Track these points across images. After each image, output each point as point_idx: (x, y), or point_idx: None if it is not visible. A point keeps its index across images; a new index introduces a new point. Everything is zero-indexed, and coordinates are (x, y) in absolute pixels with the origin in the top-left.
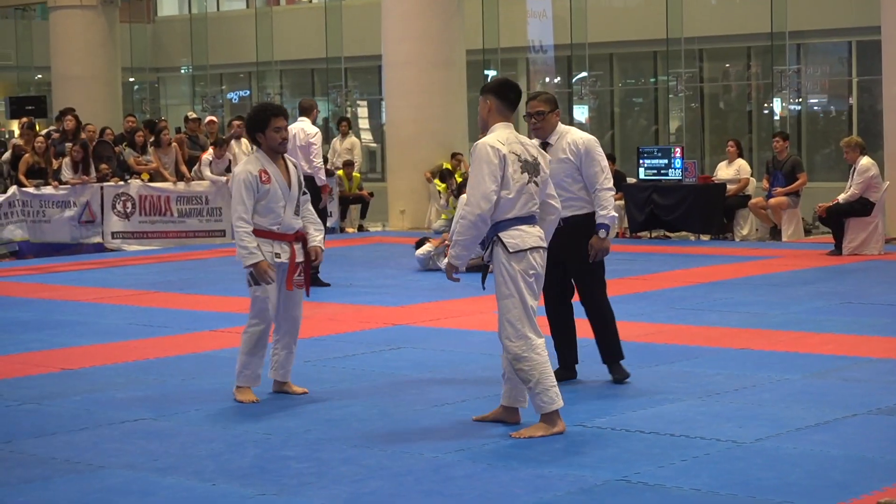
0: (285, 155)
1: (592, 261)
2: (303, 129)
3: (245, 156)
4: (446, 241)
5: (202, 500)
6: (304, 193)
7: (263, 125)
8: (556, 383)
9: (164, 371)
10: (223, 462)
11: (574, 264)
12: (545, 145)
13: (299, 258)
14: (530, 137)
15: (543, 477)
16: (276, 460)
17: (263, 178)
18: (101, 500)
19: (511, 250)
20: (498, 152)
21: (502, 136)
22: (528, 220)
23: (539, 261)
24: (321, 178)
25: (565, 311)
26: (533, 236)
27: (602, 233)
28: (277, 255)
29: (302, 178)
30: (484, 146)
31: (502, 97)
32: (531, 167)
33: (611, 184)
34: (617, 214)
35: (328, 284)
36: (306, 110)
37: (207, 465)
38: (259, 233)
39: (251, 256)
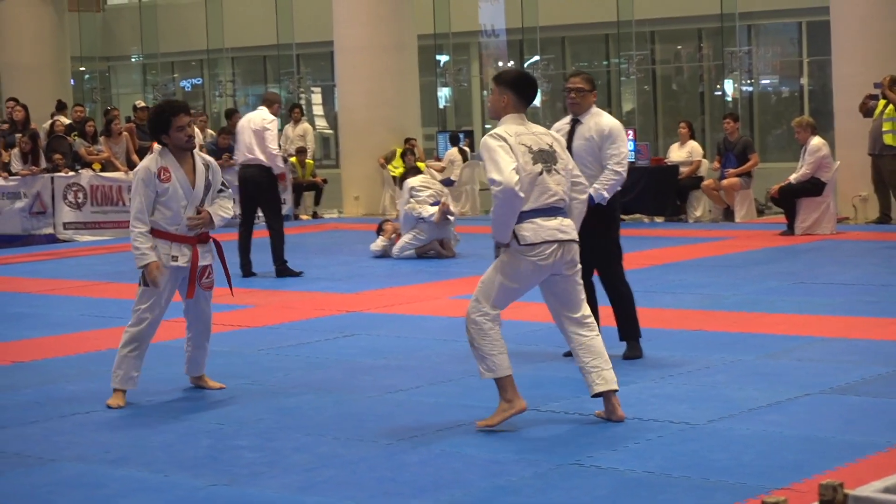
0: (200, 153)
1: None
2: (260, 115)
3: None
4: (397, 232)
5: (153, 492)
6: (222, 190)
7: (166, 126)
8: (504, 354)
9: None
10: (175, 453)
11: (589, 243)
12: (576, 122)
13: (203, 261)
14: (566, 112)
15: (498, 462)
16: (228, 450)
17: (163, 177)
18: (51, 494)
19: (521, 243)
20: (502, 139)
21: (511, 129)
22: (546, 212)
23: (550, 254)
24: (278, 165)
25: (586, 287)
26: (548, 229)
27: None
28: (174, 258)
29: (214, 176)
30: (488, 138)
31: (521, 93)
32: (546, 156)
33: (621, 169)
34: (607, 196)
35: (300, 273)
36: (269, 101)
37: (159, 456)
38: (157, 233)
39: (142, 257)
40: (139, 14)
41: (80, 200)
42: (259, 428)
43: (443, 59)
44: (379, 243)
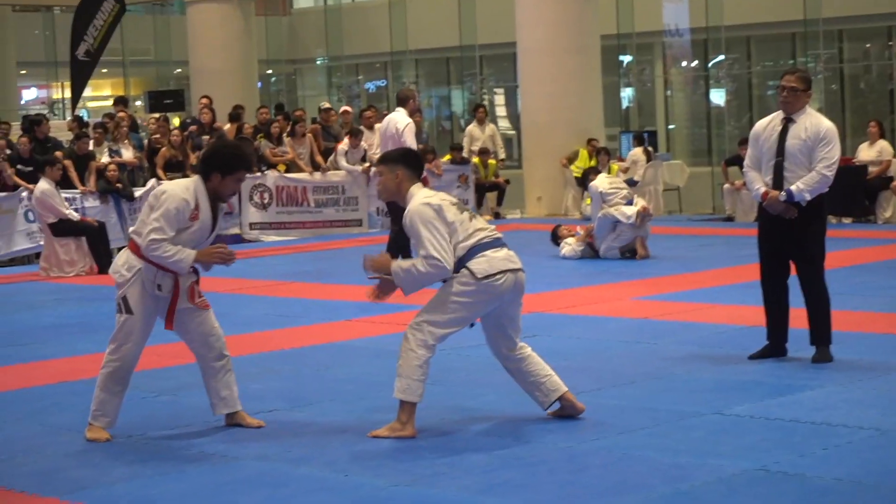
0: None
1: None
2: (395, 119)
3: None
4: (591, 234)
5: (334, 492)
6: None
7: (229, 170)
8: (423, 382)
9: (299, 361)
10: (356, 453)
11: (793, 245)
12: (789, 121)
13: (185, 284)
14: (756, 113)
15: (680, 466)
16: (409, 450)
17: (192, 216)
18: (233, 492)
19: (480, 276)
20: (432, 206)
21: (428, 193)
22: (491, 244)
23: (504, 280)
24: None
25: (781, 288)
26: (499, 260)
27: (782, 195)
28: (159, 288)
29: (222, 221)
30: (419, 208)
31: (410, 165)
32: (462, 205)
33: (829, 173)
34: (808, 197)
35: None
36: (402, 100)
37: (340, 456)
38: (147, 258)
39: (186, 258)
40: (324, 17)
41: (265, 201)
42: (440, 429)
43: (626, 59)
44: (571, 249)
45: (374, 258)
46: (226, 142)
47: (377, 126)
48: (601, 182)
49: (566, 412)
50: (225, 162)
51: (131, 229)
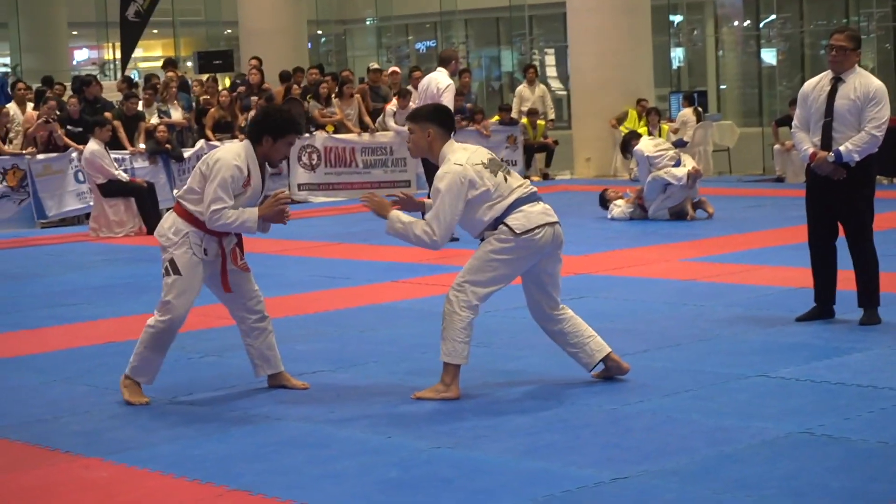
0: None
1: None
2: (436, 78)
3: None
4: (640, 196)
5: (376, 453)
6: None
7: (280, 133)
8: (468, 343)
9: (344, 323)
10: (398, 415)
11: (841, 206)
12: (838, 80)
13: (228, 247)
14: (808, 71)
15: (724, 429)
16: (452, 412)
17: (245, 182)
18: (276, 453)
19: (518, 231)
20: (463, 177)
21: (461, 157)
22: (527, 199)
23: (543, 234)
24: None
25: (829, 249)
26: (536, 214)
27: (831, 156)
28: (205, 252)
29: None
30: (454, 175)
31: (442, 123)
32: (495, 163)
33: (879, 133)
34: (857, 158)
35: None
36: (444, 61)
37: (382, 418)
38: (194, 221)
39: (250, 217)
40: None
41: (314, 162)
42: (482, 391)
43: (676, 19)
44: (621, 211)
45: (376, 199)
46: (276, 105)
47: (420, 85)
48: (646, 146)
49: (611, 373)
50: (276, 126)
51: (177, 193)
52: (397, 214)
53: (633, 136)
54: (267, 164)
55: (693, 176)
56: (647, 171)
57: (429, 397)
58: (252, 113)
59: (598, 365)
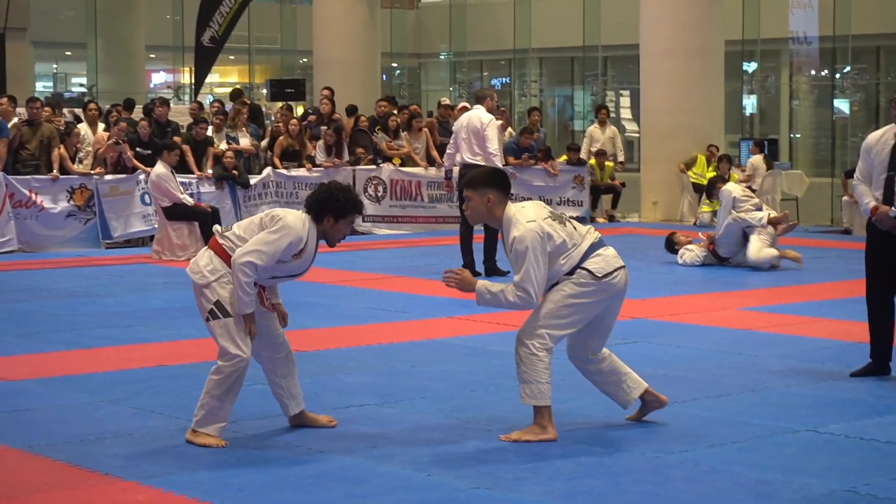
0: None
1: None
2: (478, 114)
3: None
4: (713, 241)
5: (415, 491)
6: None
7: (342, 214)
8: (550, 383)
9: (395, 357)
10: (441, 452)
11: None
12: None
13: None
14: (875, 123)
15: (767, 483)
16: (494, 453)
17: (296, 254)
18: (314, 485)
19: (599, 275)
20: (541, 233)
21: (529, 214)
22: (599, 245)
23: (620, 278)
24: (497, 165)
25: (887, 305)
26: (611, 258)
27: (893, 210)
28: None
29: None
30: (531, 235)
31: (499, 186)
32: (557, 214)
33: None
34: None
35: (507, 272)
36: (480, 99)
37: (425, 455)
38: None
39: (249, 304)
40: (449, 12)
41: (379, 194)
42: None
43: (750, 66)
44: (693, 256)
45: (459, 276)
46: (339, 184)
47: (458, 121)
48: (734, 188)
49: (651, 407)
50: (339, 206)
51: (222, 230)
52: (484, 285)
53: (720, 180)
54: (326, 241)
55: (776, 222)
56: (726, 214)
57: (527, 439)
58: (319, 142)
59: (634, 403)
